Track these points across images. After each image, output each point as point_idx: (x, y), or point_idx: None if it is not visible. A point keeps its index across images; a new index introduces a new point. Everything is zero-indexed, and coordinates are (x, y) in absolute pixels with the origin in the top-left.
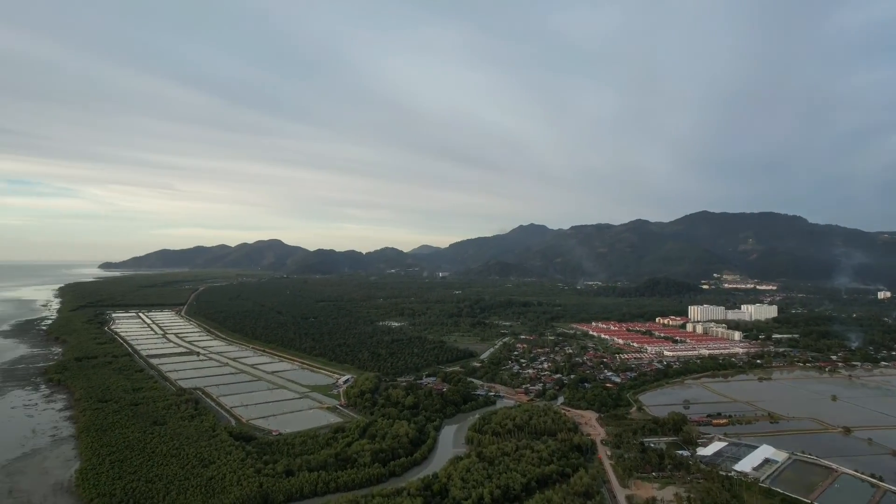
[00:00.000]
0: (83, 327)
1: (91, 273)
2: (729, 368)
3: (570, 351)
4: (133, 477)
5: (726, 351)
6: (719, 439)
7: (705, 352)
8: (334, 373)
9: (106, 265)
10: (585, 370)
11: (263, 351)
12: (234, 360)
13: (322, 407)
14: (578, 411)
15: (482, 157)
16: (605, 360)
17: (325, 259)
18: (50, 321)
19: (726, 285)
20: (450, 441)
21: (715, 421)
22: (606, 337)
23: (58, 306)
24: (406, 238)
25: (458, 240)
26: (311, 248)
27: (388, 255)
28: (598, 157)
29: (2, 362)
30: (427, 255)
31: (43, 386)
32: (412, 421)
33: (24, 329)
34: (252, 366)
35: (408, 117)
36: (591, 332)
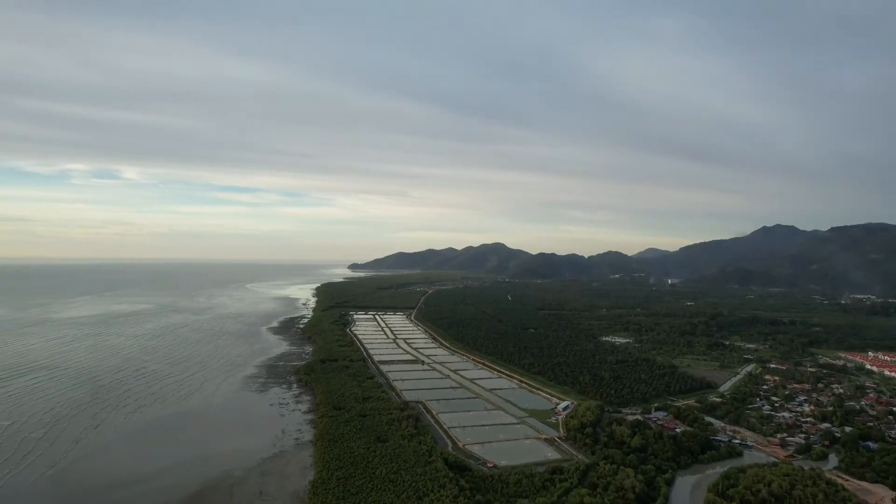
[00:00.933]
0: (330, 328)
1: (341, 273)
2: None
3: (841, 391)
4: (354, 500)
5: None
6: None
7: None
8: (553, 396)
9: (353, 266)
10: (866, 421)
11: (483, 364)
12: (454, 371)
13: (539, 437)
14: (863, 484)
15: (716, 150)
16: (895, 408)
17: (546, 262)
18: (306, 320)
19: None
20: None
21: None
22: (893, 374)
23: (313, 305)
24: (630, 240)
25: (689, 242)
26: (533, 252)
27: (611, 259)
28: (865, 144)
29: (268, 358)
30: (654, 260)
31: (294, 385)
32: (639, 469)
33: (288, 326)
34: (471, 380)
35: (632, 114)
36: (868, 366)
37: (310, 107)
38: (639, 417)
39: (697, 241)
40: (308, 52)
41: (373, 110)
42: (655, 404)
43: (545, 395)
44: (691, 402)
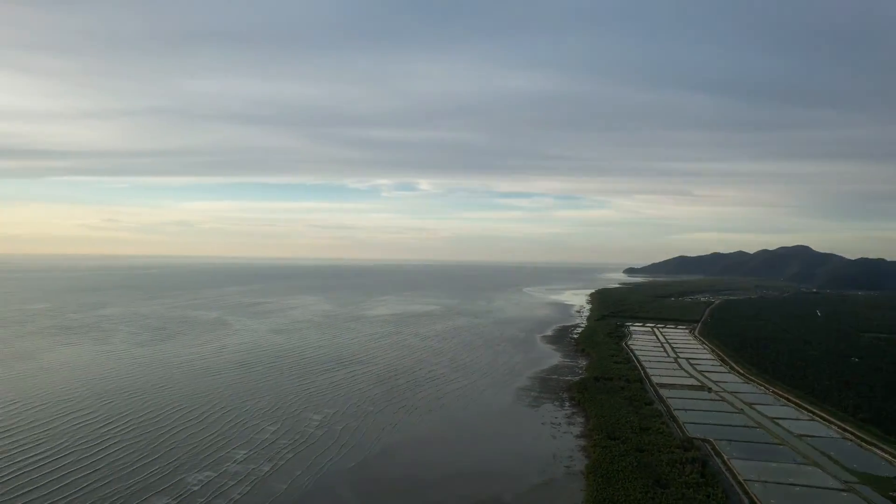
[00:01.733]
0: (604, 340)
1: (616, 278)
2: None
3: None
4: None
5: None
6: None
7: None
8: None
9: (629, 270)
10: None
11: (787, 399)
12: (749, 405)
13: None
14: None
15: None
16: None
17: (870, 270)
18: (580, 329)
19: None
20: None
21: None
22: None
23: (587, 314)
24: None
25: None
26: (850, 256)
27: None
28: None
29: (541, 370)
30: None
31: (567, 404)
32: None
33: (561, 336)
34: (772, 419)
35: None
36: None
37: (585, 110)
38: None
39: None
40: (582, 56)
41: (649, 107)
42: None
43: (883, 454)
44: None
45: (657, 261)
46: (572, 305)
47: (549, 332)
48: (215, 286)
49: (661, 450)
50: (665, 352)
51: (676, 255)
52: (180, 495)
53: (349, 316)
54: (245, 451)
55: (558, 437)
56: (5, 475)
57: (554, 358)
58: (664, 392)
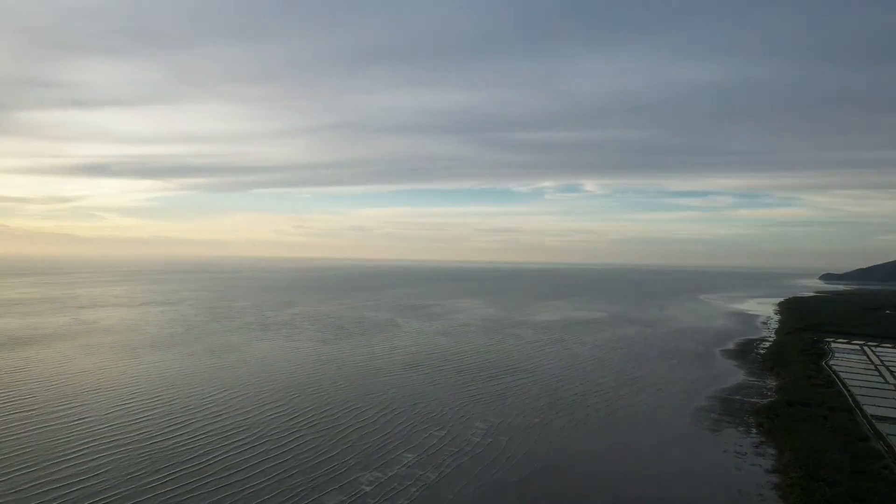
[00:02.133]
0: (797, 359)
1: (810, 285)
2: None
3: None
4: None
5: None
6: None
7: None
8: None
9: (826, 276)
10: None
11: None
12: None
13: None
14: None
15: None
16: None
17: None
18: (766, 344)
19: None
20: None
21: None
22: None
23: (775, 326)
24: None
25: None
26: None
27: None
28: None
29: (722, 389)
30: None
31: (754, 430)
32: None
33: (745, 350)
34: None
35: None
36: None
37: (767, 98)
38: None
39: None
40: (767, 39)
41: (847, 89)
42: None
43: None
44: None
45: (864, 266)
46: (757, 316)
47: (730, 346)
48: (388, 288)
49: (887, 502)
50: (881, 376)
51: (891, 259)
52: (353, 494)
53: (513, 321)
54: (413, 456)
55: (744, 468)
56: (221, 455)
57: (737, 375)
58: (883, 427)
